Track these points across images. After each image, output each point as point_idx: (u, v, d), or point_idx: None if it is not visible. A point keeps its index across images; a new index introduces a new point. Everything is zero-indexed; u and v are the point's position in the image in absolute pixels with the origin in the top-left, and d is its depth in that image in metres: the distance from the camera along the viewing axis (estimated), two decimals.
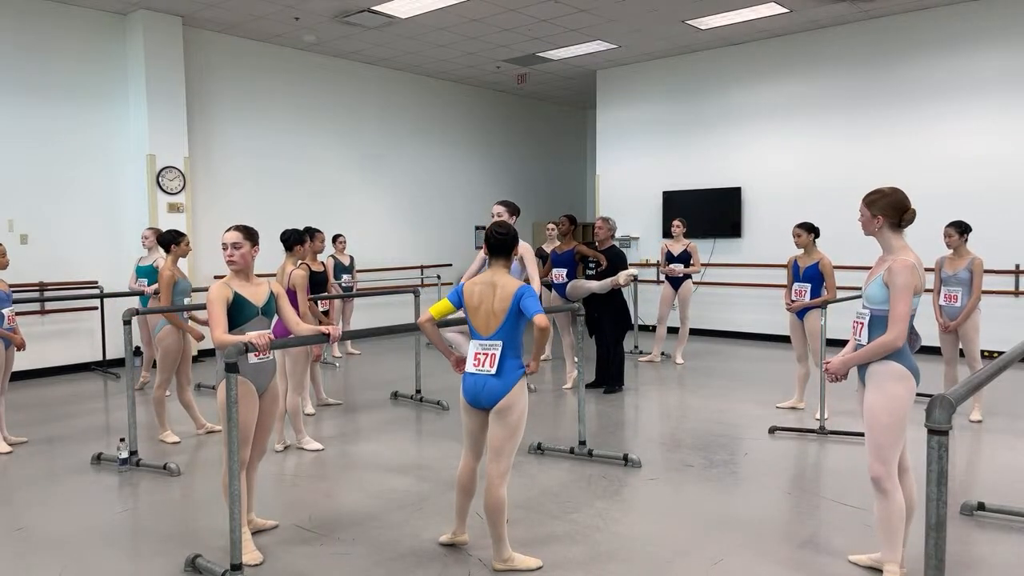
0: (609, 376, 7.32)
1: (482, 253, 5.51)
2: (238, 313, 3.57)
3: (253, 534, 3.80)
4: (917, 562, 3.20)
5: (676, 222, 8.99)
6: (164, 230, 6.76)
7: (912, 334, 3.15)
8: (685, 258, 8.74)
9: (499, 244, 3.48)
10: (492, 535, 3.44)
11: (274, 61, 10.36)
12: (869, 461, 3.13)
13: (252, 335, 3.34)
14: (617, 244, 7.48)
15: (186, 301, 5.90)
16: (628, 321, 7.40)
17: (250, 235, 3.68)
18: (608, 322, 7.23)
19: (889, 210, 3.14)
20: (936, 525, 1.92)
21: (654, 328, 9.24)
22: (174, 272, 5.80)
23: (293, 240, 5.67)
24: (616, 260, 7.19)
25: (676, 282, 8.79)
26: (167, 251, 5.92)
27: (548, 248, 8.15)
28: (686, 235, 8.95)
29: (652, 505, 4.29)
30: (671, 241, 8.95)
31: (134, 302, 7.84)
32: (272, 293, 3.73)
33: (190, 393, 5.85)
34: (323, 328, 3.68)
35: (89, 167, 8.79)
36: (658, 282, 10.40)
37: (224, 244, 3.64)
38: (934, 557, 1.93)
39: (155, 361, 5.87)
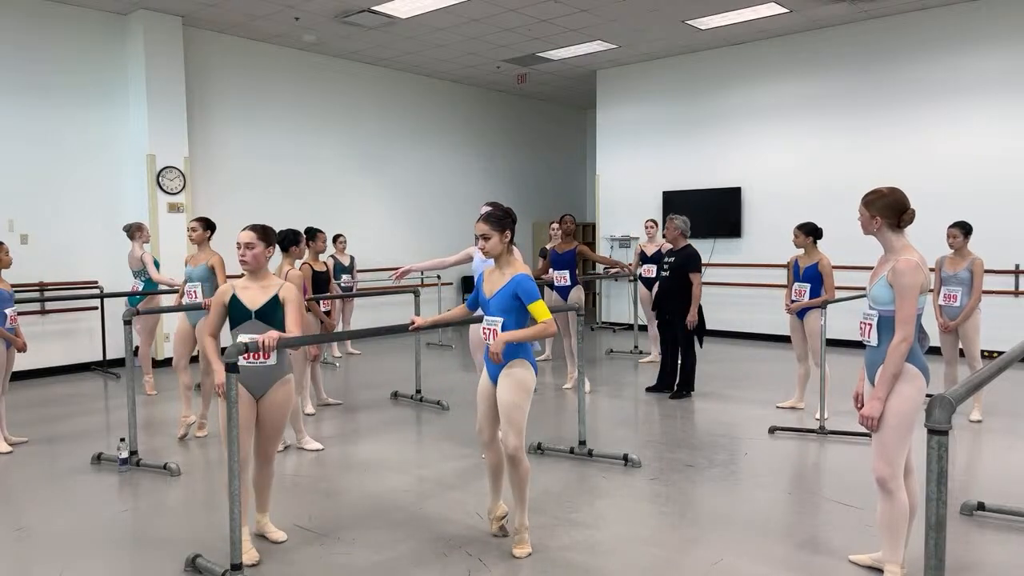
0: (675, 380, 7.10)
1: (470, 249, 5.55)
2: (231, 314, 3.61)
3: (256, 536, 3.80)
4: (917, 562, 3.20)
5: (648, 222, 8.94)
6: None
7: (921, 333, 3.13)
8: (658, 259, 8.64)
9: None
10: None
11: (274, 61, 10.36)
12: (874, 461, 3.11)
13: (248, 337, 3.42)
14: (691, 244, 7.06)
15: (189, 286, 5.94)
16: (702, 324, 6.98)
17: (265, 235, 3.67)
18: (682, 324, 6.89)
19: (887, 210, 3.12)
20: (936, 525, 1.92)
21: (645, 328, 9.27)
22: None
23: (288, 241, 5.65)
24: (688, 261, 6.86)
25: (650, 283, 8.57)
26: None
27: (549, 247, 8.11)
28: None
29: (652, 505, 4.29)
30: (646, 242, 8.93)
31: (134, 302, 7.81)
32: (278, 297, 3.59)
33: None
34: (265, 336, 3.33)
35: (89, 167, 8.79)
36: (631, 280, 10.37)
37: (238, 243, 3.64)
38: (934, 557, 1.93)
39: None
